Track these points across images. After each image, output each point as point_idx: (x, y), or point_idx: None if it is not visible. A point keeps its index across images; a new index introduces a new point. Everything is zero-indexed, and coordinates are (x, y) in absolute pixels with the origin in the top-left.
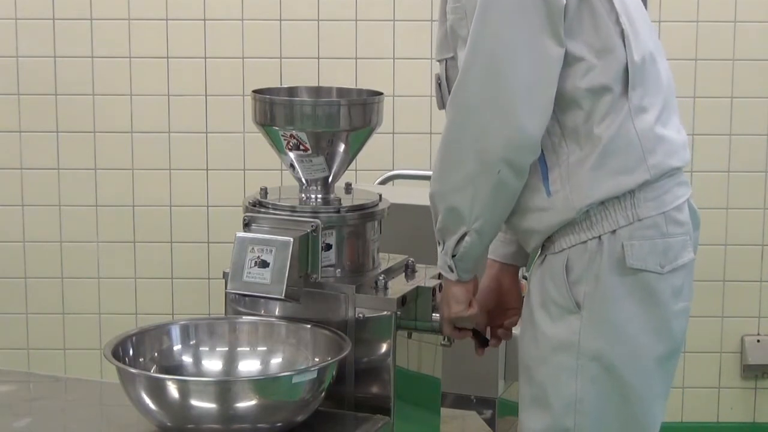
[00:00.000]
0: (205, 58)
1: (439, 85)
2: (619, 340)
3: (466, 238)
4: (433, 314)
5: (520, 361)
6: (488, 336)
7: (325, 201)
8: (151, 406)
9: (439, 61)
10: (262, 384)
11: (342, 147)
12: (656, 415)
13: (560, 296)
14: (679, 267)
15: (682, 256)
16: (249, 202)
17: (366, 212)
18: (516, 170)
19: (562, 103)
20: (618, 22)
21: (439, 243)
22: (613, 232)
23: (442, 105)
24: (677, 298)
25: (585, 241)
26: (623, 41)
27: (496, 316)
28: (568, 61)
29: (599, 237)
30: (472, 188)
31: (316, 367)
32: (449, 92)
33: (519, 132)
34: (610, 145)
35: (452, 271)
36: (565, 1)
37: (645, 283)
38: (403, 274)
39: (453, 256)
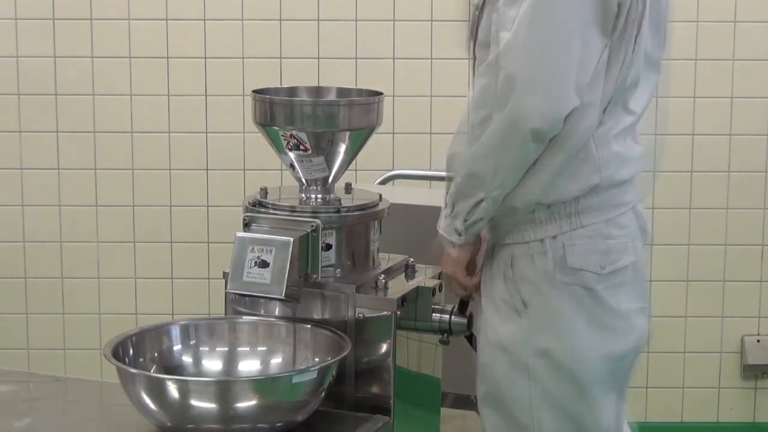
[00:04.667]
0: (205, 58)
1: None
2: (563, 337)
3: (483, 204)
4: (433, 314)
5: (477, 360)
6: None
7: (325, 201)
8: (151, 406)
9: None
10: (262, 384)
11: (342, 147)
12: (609, 413)
13: (507, 294)
14: (620, 269)
15: (622, 258)
16: (249, 202)
17: (366, 212)
18: (539, 142)
19: None
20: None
21: (446, 205)
22: (555, 237)
23: (470, 53)
24: (621, 299)
25: (528, 242)
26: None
27: None
28: None
29: (541, 240)
30: (497, 156)
31: (316, 367)
32: (474, 38)
33: (554, 109)
34: (569, 151)
35: (460, 235)
36: (617, 6)
37: (585, 283)
38: (403, 274)
39: (465, 220)
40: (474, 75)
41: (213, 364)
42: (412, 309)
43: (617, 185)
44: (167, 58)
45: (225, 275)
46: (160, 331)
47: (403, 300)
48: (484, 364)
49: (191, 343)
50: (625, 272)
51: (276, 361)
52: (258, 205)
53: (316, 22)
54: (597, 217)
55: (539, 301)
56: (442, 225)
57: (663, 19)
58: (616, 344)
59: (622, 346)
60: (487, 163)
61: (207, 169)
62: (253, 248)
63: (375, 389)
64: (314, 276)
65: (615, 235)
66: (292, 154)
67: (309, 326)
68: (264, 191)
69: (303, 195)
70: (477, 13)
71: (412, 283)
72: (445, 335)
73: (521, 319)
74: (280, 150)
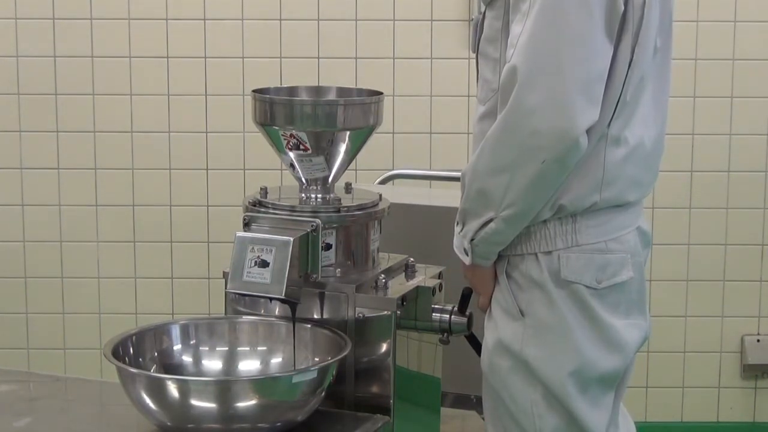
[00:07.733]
0: (205, 58)
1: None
2: (557, 348)
3: (491, 224)
4: (433, 314)
5: (482, 359)
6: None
7: (325, 201)
8: (151, 405)
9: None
10: (262, 384)
11: (342, 147)
12: (600, 420)
13: (505, 302)
14: (617, 284)
15: (620, 273)
16: (249, 202)
17: (366, 212)
18: (560, 163)
19: None
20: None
21: (458, 223)
22: (549, 252)
23: (474, 48)
24: (618, 314)
25: (522, 254)
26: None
27: None
28: None
29: (535, 254)
30: (509, 174)
31: (316, 367)
32: (477, 41)
33: (571, 125)
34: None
35: (467, 254)
36: (623, 9)
37: (580, 297)
38: (403, 274)
39: (471, 239)
40: (478, 71)
41: (213, 364)
42: (412, 309)
43: (617, 205)
44: (167, 58)
45: (225, 275)
46: (160, 331)
47: (403, 300)
48: (485, 373)
49: (191, 342)
50: (623, 287)
51: (276, 361)
52: (258, 204)
53: (316, 22)
54: (594, 237)
55: (534, 310)
56: (455, 242)
57: (669, 18)
58: (616, 359)
59: (620, 360)
60: (498, 180)
61: (207, 169)
62: (253, 248)
63: (375, 389)
64: (314, 276)
65: (614, 250)
66: (292, 154)
67: (309, 326)
68: (264, 191)
69: (303, 195)
70: (484, 7)
71: (412, 283)
72: (445, 335)
73: (517, 327)
74: (280, 150)
